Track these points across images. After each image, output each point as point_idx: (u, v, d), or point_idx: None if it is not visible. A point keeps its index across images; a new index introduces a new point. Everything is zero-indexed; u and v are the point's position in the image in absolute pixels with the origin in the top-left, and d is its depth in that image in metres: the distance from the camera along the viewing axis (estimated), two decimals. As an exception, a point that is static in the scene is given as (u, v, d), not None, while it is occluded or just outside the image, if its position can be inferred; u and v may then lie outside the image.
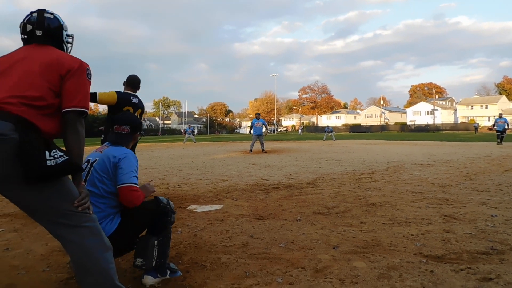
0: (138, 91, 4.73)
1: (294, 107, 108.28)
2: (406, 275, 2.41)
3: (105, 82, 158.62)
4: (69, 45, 2.20)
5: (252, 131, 15.30)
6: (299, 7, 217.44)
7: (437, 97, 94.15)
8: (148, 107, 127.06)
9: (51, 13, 2.08)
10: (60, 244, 1.92)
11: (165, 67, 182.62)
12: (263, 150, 14.93)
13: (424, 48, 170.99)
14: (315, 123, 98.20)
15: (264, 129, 15.22)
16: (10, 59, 1.93)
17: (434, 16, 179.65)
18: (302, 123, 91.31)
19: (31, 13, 2.05)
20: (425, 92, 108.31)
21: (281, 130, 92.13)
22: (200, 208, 4.59)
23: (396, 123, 76.94)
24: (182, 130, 29.35)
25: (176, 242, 3.22)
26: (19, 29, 2.06)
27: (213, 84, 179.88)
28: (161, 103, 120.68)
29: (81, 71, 1.97)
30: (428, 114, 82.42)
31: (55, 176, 1.73)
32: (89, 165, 2.35)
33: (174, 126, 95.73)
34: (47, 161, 1.68)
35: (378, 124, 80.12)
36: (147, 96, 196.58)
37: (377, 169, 8.49)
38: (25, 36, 2.02)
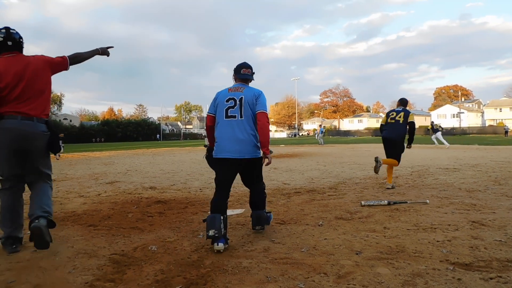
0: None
1: (316, 111, 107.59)
2: (432, 283, 2.35)
3: (127, 87, 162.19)
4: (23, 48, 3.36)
5: None
6: (320, 10, 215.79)
7: (463, 99, 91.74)
8: (170, 112, 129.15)
9: (15, 30, 3.29)
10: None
11: (187, 71, 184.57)
12: None
13: (450, 50, 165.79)
14: (337, 127, 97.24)
15: None
16: (15, 66, 3.13)
17: (460, 16, 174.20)
18: (324, 126, 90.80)
19: (7, 29, 3.24)
20: (450, 95, 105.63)
21: (302, 134, 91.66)
22: (222, 212, 4.60)
23: (420, 127, 75.27)
24: (203, 135, 29.84)
25: (198, 246, 3.24)
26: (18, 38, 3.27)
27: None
28: (183, 108, 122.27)
29: None
30: (453, 117, 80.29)
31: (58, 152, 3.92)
32: (238, 102, 3.44)
33: (195, 131, 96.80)
34: (61, 147, 3.69)
35: (402, 127, 78.47)
36: (169, 101, 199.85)
37: (401, 173, 8.33)
38: (11, 43, 3.21)
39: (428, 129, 22.31)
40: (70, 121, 75.45)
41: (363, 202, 4.85)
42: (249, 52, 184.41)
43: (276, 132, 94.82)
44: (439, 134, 21.91)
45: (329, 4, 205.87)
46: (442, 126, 22.99)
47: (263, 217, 3.57)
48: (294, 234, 3.58)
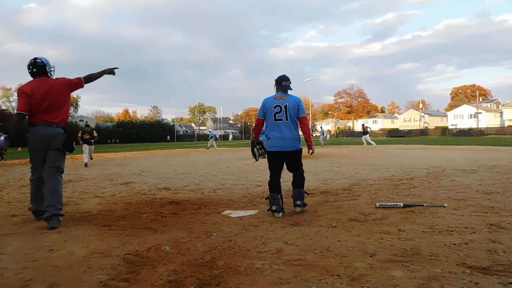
0: None
1: (330, 112, 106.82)
2: (448, 287, 2.30)
3: (142, 88, 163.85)
4: (52, 72, 4.50)
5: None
6: (335, 10, 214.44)
7: (480, 99, 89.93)
8: (184, 113, 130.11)
9: (40, 59, 4.39)
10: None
11: (201, 73, 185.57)
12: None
13: (467, 49, 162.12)
14: (351, 128, 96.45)
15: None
16: (42, 87, 4.24)
17: (478, 15, 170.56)
18: (339, 128, 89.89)
19: (34, 59, 4.36)
20: (467, 95, 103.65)
21: (316, 135, 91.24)
22: (235, 213, 4.61)
23: (436, 127, 74.27)
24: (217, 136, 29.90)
25: (211, 247, 3.25)
26: (28, 68, 4.36)
27: (247, 90, 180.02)
28: (197, 109, 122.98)
29: None
30: (471, 117, 78.69)
31: (71, 151, 4.50)
32: (283, 108, 4.46)
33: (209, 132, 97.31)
34: (73, 146, 4.42)
35: (417, 128, 77.60)
36: (183, 103, 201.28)
37: (416, 174, 8.20)
38: (35, 70, 4.34)
39: (363, 131, 26.83)
40: (86, 122, 76.63)
41: (377, 204, 4.80)
42: (263, 53, 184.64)
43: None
44: (367, 136, 25.98)
45: (343, 4, 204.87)
46: (369, 129, 27.83)
47: (303, 193, 4.57)
48: (307, 235, 3.55)
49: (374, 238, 3.40)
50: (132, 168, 12.04)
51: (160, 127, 76.66)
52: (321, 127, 33.47)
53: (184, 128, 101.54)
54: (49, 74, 4.44)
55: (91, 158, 13.56)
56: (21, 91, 4.22)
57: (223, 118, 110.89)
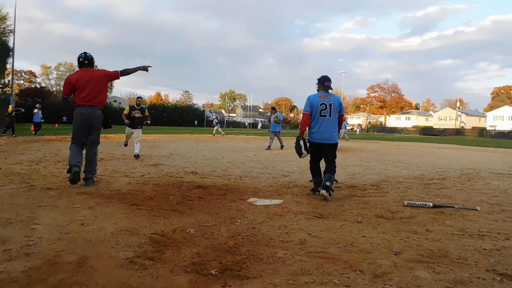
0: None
1: (362, 106, 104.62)
2: (475, 292, 2.22)
3: (175, 72, 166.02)
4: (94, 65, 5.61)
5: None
6: (374, 1, 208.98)
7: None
8: (215, 100, 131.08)
9: (89, 54, 5.45)
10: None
11: (234, 60, 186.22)
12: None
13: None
14: (383, 123, 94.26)
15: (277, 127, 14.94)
16: (85, 77, 5.25)
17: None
18: (370, 123, 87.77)
19: (85, 53, 5.41)
20: (510, 95, 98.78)
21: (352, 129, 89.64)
22: (260, 202, 4.63)
23: (473, 128, 71.35)
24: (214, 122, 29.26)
25: (235, 233, 3.28)
26: (78, 60, 5.45)
27: (279, 79, 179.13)
28: (227, 96, 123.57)
29: None
30: (512, 119, 75.05)
31: (109, 127, 5.72)
32: (328, 106, 5.06)
33: (239, 119, 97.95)
34: (110, 124, 5.67)
35: (453, 127, 74.82)
36: (214, 89, 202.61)
37: (449, 175, 7.94)
38: (86, 62, 5.39)
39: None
40: (120, 103, 78.76)
41: (405, 202, 4.69)
42: (297, 43, 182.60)
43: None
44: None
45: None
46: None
47: (333, 178, 4.95)
48: (331, 229, 3.53)
49: (400, 236, 3.33)
50: (161, 150, 12.29)
51: (190, 112, 77.66)
52: (343, 120, 32.51)
53: (214, 114, 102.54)
54: (93, 66, 5.47)
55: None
56: (68, 79, 5.33)
57: (253, 106, 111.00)
